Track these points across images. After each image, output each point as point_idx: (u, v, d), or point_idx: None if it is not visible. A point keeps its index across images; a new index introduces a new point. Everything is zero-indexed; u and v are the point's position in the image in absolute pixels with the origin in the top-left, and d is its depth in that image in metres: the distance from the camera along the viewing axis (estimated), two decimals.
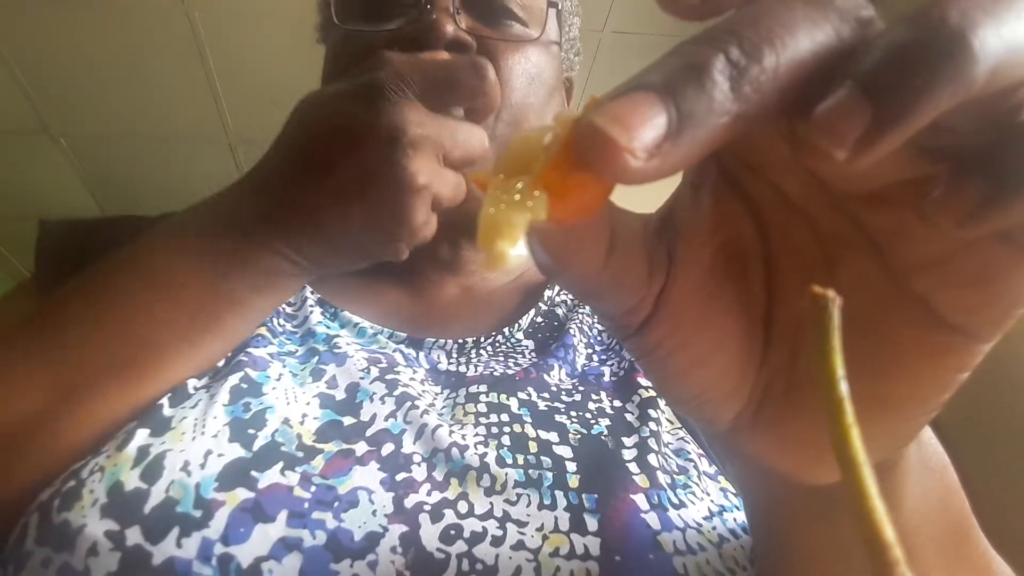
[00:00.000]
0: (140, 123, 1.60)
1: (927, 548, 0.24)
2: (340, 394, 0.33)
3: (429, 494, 0.29)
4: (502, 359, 0.40)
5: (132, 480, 0.26)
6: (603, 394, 0.37)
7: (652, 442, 0.33)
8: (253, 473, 0.28)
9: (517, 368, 0.38)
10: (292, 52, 1.40)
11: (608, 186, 0.14)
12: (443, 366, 0.39)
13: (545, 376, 0.37)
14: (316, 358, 0.36)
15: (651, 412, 0.35)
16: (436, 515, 0.28)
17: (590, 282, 0.16)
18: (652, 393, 0.37)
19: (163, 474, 0.27)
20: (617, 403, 0.36)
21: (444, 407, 0.35)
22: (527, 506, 0.28)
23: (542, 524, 0.28)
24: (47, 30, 1.36)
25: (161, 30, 1.38)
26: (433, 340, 0.41)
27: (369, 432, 0.31)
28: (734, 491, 0.33)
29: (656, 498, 0.29)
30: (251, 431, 0.29)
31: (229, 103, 1.55)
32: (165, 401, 0.31)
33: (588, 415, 0.34)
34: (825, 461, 0.17)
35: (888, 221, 0.16)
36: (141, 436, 0.28)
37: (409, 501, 0.28)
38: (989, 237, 0.14)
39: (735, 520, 0.31)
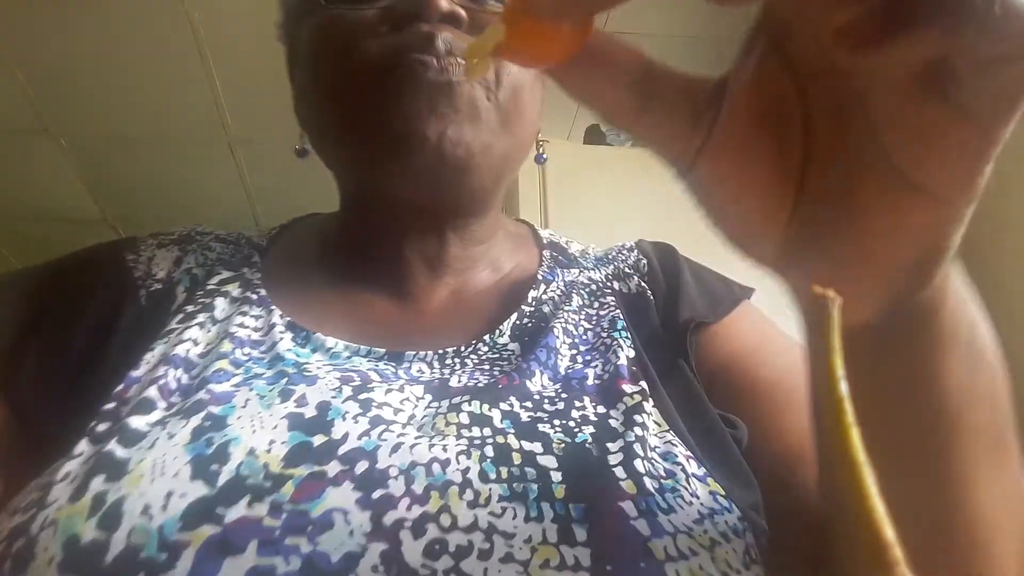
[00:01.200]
0: (140, 123, 1.60)
1: (964, 437, 0.24)
2: (310, 411, 0.32)
3: (409, 509, 0.27)
4: (487, 367, 0.39)
5: (89, 531, 0.25)
6: (587, 399, 0.36)
7: (637, 447, 0.32)
8: (219, 510, 0.26)
9: (500, 375, 0.37)
10: None
11: (568, 35, 0.19)
12: (425, 377, 0.38)
13: (527, 383, 0.36)
14: (285, 379, 0.34)
15: (636, 418, 0.34)
16: (418, 530, 0.27)
17: (628, 123, 0.21)
18: (638, 399, 0.36)
19: (123, 521, 0.25)
20: (601, 409, 0.35)
21: (425, 417, 0.34)
22: (513, 518, 0.28)
23: (530, 536, 0.27)
24: (48, 30, 1.36)
25: (161, 30, 1.38)
26: (414, 353, 0.40)
27: (341, 450, 0.30)
28: (723, 493, 0.32)
29: (644, 504, 0.29)
30: (214, 467, 0.28)
31: (229, 103, 1.55)
32: (115, 445, 0.29)
33: (572, 423, 0.34)
34: (850, 303, 0.20)
35: (862, 85, 0.19)
36: (96, 483, 0.27)
37: (388, 518, 0.27)
38: (927, 97, 0.17)
39: (726, 523, 0.30)
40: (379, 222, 0.45)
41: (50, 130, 1.60)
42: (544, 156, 0.53)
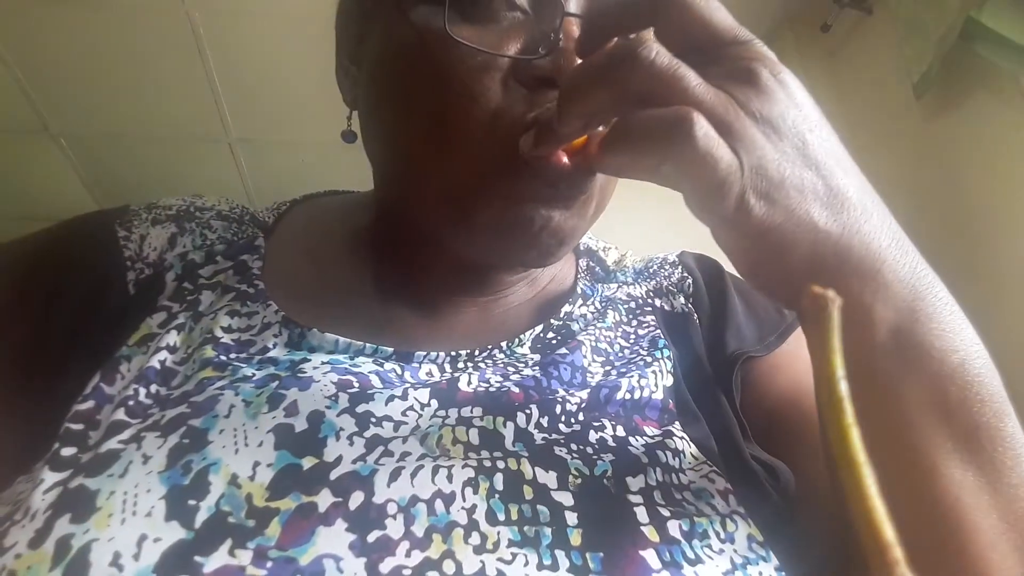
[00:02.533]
0: (140, 123, 1.59)
1: (908, 431, 0.25)
2: (301, 424, 0.29)
3: (408, 555, 0.25)
4: (501, 367, 0.37)
5: None
6: (605, 420, 0.34)
7: (661, 487, 0.30)
8: (197, 558, 0.24)
9: (517, 391, 0.34)
10: (292, 52, 1.40)
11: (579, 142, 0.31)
12: (433, 379, 0.36)
13: (545, 398, 0.34)
14: (276, 383, 0.31)
15: (660, 454, 0.32)
16: None
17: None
18: (660, 437, 0.33)
19: (90, 573, 0.23)
20: (620, 431, 0.33)
21: (430, 427, 0.31)
22: (524, 566, 0.25)
23: None
24: (47, 30, 1.36)
25: (161, 30, 1.37)
26: (424, 354, 0.37)
27: (334, 475, 0.27)
28: (761, 539, 0.30)
29: (668, 554, 0.27)
30: (192, 502, 0.25)
31: (229, 103, 1.55)
32: (83, 476, 0.26)
33: (590, 449, 0.31)
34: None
35: None
36: (61, 525, 0.24)
37: (385, 566, 0.24)
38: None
39: (760, 574, 0.28)
40: (426, 253, 0.41)
41: (50, 130, 1.60)
42: None
